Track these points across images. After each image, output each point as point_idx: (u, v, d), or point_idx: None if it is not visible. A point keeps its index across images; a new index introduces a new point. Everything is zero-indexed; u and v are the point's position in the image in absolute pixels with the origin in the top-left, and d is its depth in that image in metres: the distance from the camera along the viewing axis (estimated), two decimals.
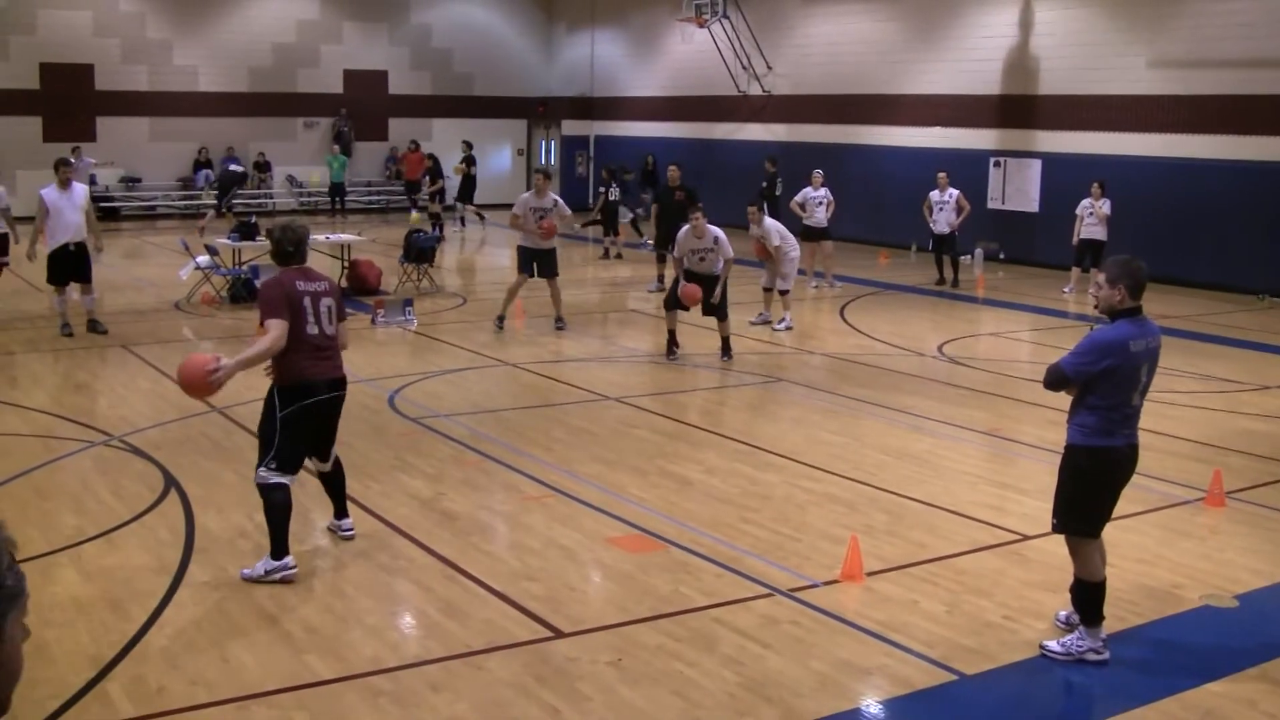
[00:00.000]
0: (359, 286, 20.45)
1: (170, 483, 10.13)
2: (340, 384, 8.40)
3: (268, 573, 7.96)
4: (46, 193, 16.18)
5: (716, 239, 15.41)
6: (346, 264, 21.19)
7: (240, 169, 31.22)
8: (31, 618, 7.08)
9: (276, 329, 8.00)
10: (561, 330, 17.43)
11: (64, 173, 16.42)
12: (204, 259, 19.99)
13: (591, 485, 10.24)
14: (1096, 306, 7.21)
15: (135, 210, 34.95)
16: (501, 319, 17.61)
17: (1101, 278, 7.09)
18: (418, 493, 10.01)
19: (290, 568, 7.99)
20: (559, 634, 7.24)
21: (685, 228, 15.61)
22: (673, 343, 15.85)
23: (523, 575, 8.19)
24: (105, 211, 34.35)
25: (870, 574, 8.22)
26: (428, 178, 30.81)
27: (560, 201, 17.75)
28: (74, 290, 16.74)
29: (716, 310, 15.62)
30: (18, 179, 32.45)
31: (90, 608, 7.56)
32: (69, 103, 34.02)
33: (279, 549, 7.99)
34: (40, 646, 6.97)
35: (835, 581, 8.14)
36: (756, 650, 7.05)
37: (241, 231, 20.58)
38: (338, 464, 8.87)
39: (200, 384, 7.83)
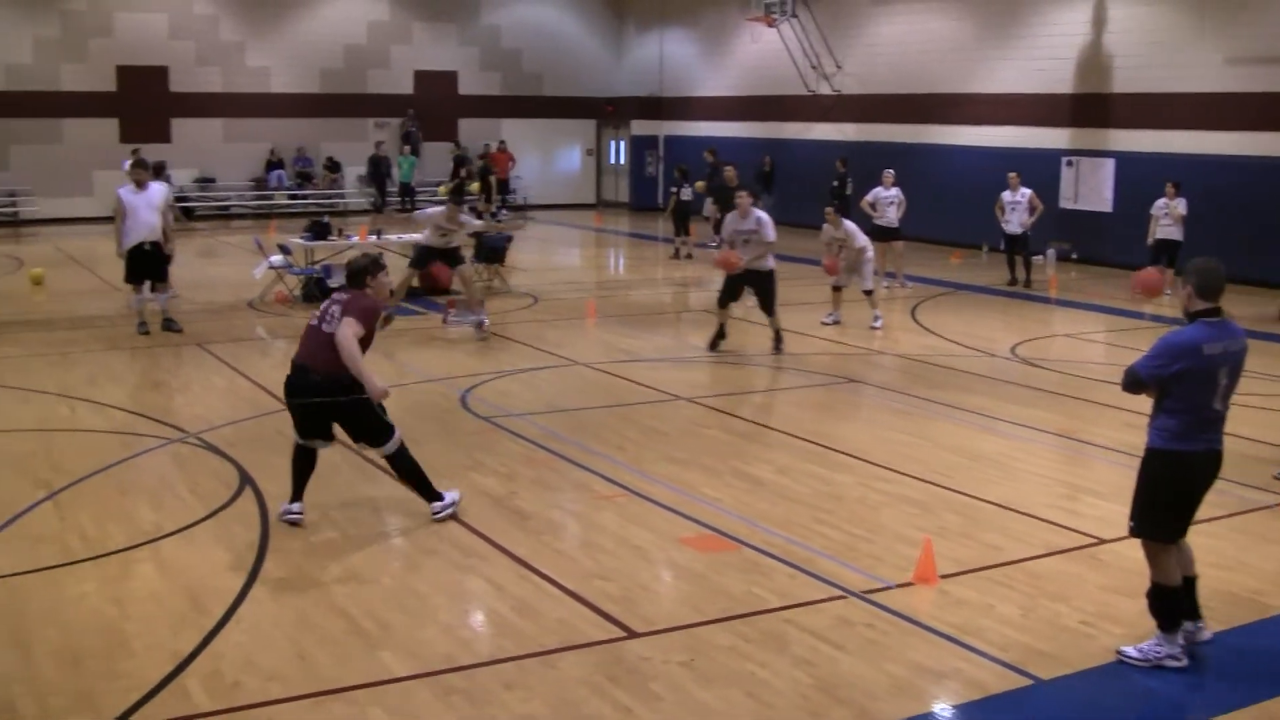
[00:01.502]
0: (431, 286, 20.55)
1: (245, 480, 10.23)
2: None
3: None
4: (123, 192, 16.39)
5: (759, 220, 15.58)
6: None
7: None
8: (112, 611, 7.21)
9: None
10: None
11: (138, 173, 16.63)
12: (277, 258, 20.18)
13: (663, 485, 10.24)
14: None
15: (209, 210, 35.34)
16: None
17: (1181, 279, 6.98)
18: (490, 491, 10.05)
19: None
20: (632, 633, 7.25)
21: (733, 211, 15.78)
22: (720, 335, 16.13)
23: (595, 574, 8.21)
24: (180, 211, 34.90)
25: (944, 576, 8.16)
26: (474, 179, 31.16)
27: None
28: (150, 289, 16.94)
29: (765, 305, 15.91)
30: (95, 179, 33.05)
31: (168, 602, 7.65)
32: (145, 104, 34.50)
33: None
34: (120, 640, 7.07)
35: (909, 584, 8.09)
36: (829, 652, 7.02)
37: (314, 231, 20.73)
38: (391, 460, 9.36)
39: None
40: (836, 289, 18.26)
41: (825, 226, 18.13)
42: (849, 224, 18.08)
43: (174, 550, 8.61)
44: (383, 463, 9.64)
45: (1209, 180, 22.89)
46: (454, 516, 9.24)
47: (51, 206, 33.59)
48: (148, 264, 16.61)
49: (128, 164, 31.78)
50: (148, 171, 16.94)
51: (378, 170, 29.98)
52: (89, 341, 16.41)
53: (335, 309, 8.98)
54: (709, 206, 27.75)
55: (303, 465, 9.31)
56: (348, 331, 8.72)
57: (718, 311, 16.03)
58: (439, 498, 9.30)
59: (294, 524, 9.12)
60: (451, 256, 17.72)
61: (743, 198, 15.81)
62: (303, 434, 9.25)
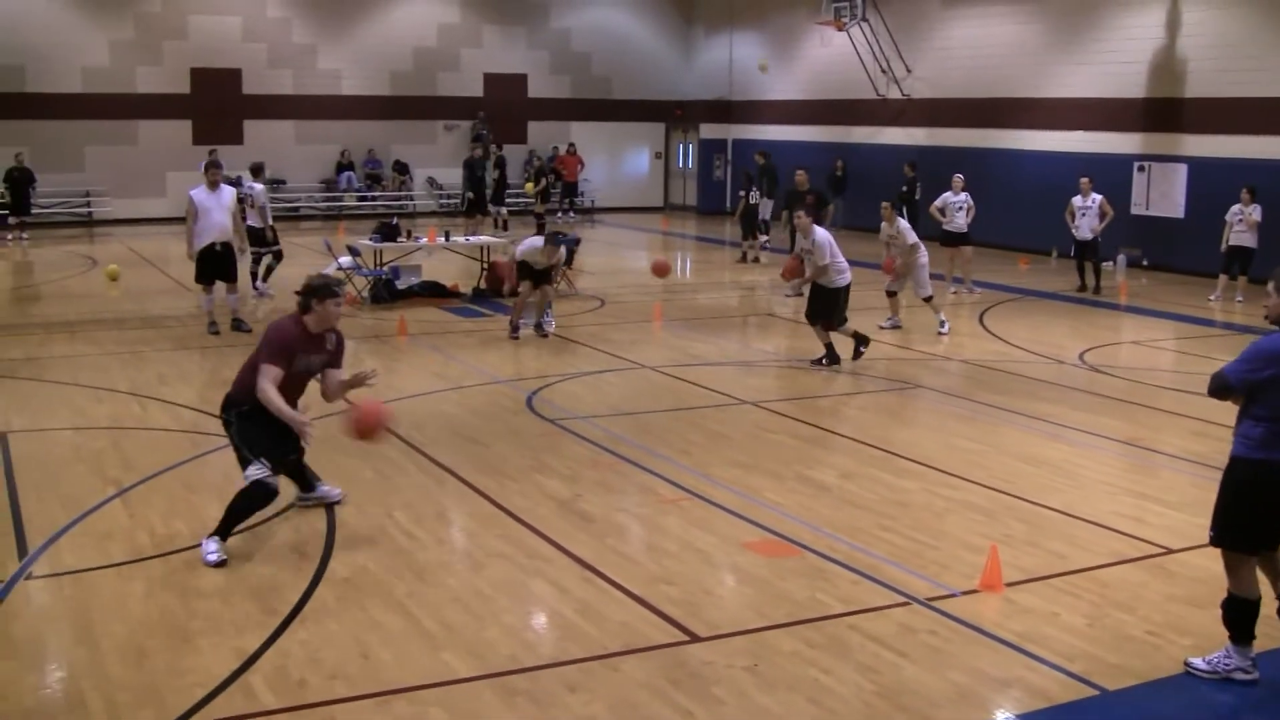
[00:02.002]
0: (498, 288, 20.64)
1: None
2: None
3: None
4: (196, 193, 16.58)
5: (814, 241, 15.29)
6: (485, 265, 21.39)
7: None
8: (179, 608, 7.29)
9: None
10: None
11: (213, 174, 16.81)
12: (346, 259, 20.34)
13: (727, 489, 10.23)
14: (1267, 316, 6.96)
15: (280, 211, 35.55)
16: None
17: (1270, 285, 6.84)
18: (555, 493, 10.07)
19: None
20: (695, 638, 7.25)
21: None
22: (830, 355, 15.53)
23: (659, 578, 8.21)
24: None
25: (1009, 584, 8.10)
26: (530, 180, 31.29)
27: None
28: (221, 289, 17.14)
29: (831, 320, 15.44)
30: (168, 180, 33.46)
31: (234, 600, 7.73)
32: (218, 106, 34.88)
33: None
34: (187, 637, 7.15)
35: (974, 591, 8.03)
36: (892, 659, 6.99)
37: (383, 233, 20.86)
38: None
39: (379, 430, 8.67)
40: (890, 294, 18.18)
41: (882, 224, 18.09)
42: (902, 222, 18.04)
43: (240, 548, 8.69)
44: (448, 462, 9.69)
45: None
46: (214, 565, 8.36)
47: (125, 207, 34.01)
48: (219, 264, 16.79)
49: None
50: (220, 172, 17.11)
51: (473, 174, 30.00)
52: (160, 340, 16.61)
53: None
54: (766, 207, 27.47)
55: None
56: (263, 382, 8.53)
57: (815, 331, 15.67)
58: (214, 541, 8.51)
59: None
60: (547, 275, 17.61)
61: (800, 218, 15.58)
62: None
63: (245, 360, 9.03)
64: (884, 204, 18.30)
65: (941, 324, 17.82)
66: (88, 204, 33.97)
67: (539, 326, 17.22)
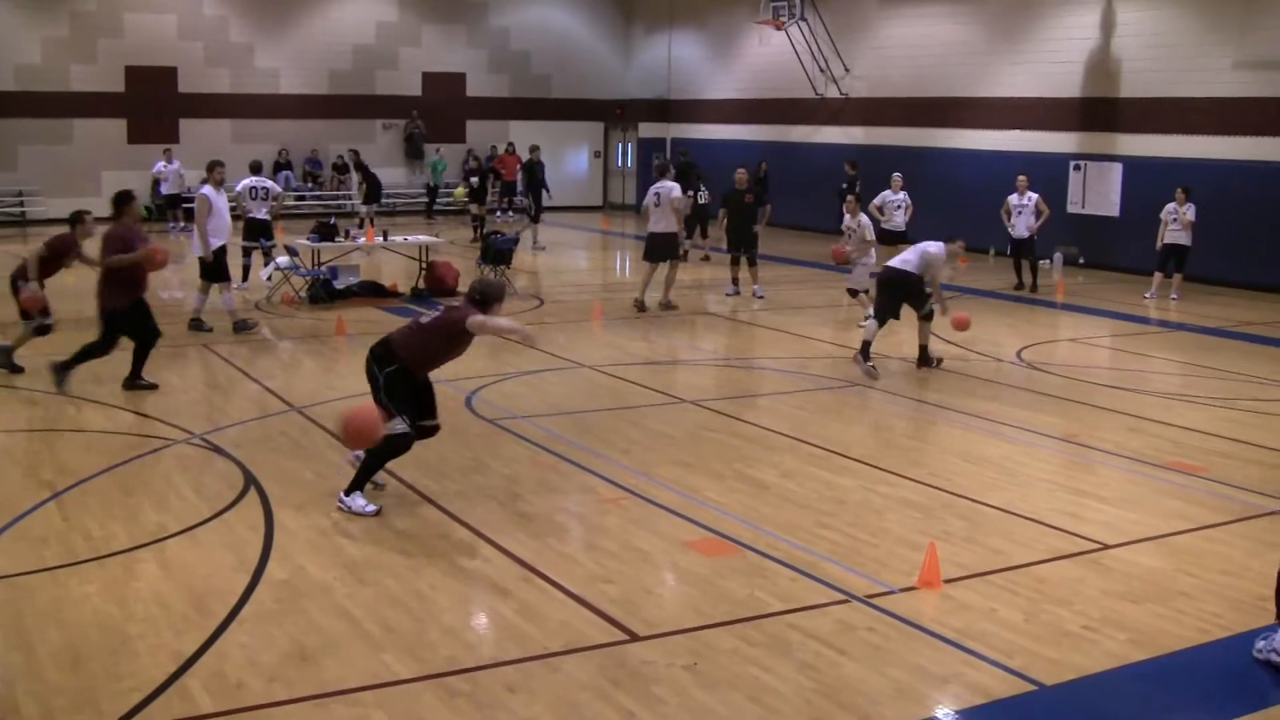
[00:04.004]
0: (437, 287, 20.58)
1: (250, 481, 10.24)
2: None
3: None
4: (208, 192, 17.07)
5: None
6: (424, 265, 21.31)
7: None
8: (115, 612, 7.21)
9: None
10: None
11: (219, 173, 17.33)
12: (284, 260, 20.22)
13: (668, 488, 10.24)
14: None
15: None
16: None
17: None
18: (494, 494, 10.04)
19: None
20: (635, 637, 7.25)
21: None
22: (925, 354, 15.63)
23: (599, 578, 8.21)
24: (187, 214, 34.92)
25: (948, 581, 8.15)
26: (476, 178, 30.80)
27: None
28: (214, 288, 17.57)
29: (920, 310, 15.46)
30: (103, 179, 33.10)
31: (172, 603, 7.65)
32: (153, 105, 34.59)
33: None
34: (124, 640, 7.08)
35: (912, 588, 8.08)
36: (832, 656, 7.02)
37: (321, 233, 20.74)
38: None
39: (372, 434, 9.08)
40: (853, 293, 18.52)
41: (846, 215, 18.72)
42: (864, 217, 18.62)
43: (178, 551, 8.62)
44: (392, 465, 9.68)
45: (1218, 185, 22.89)
46: (374, 514, 9.40)
47: (59, 206, 33.40)
48: (223, 263, 17.34)
49: (176, 164, 32.28)
50: (224, 170, 17.77)
51: (534, 178, 29.49)
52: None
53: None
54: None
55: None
56: (486, 322, 9.39)
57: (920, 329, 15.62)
58: (358, 496, 9.54)
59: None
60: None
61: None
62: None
63: (410, 323, 9.71)
64: (849, 196, 19.41)
65: (868, 317, 17.96)
66: (21, 204, 33.54)
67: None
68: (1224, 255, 23.12)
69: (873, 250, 18.22)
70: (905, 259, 15.17)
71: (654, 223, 19.54)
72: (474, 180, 31.14)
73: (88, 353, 13.45)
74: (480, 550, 8.73)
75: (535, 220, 29.63)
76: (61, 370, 13.26)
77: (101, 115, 34.01)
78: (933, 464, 11.12)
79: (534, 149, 30.58)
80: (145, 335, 13.61)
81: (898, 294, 15.08)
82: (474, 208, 30.67)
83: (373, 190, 29.54)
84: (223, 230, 17.12)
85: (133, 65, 34.29)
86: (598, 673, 6.77)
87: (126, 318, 13.43)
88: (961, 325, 15.42)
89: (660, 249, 19.63)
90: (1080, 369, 15.86)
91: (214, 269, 17.27)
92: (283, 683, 6.61)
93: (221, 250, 17.21)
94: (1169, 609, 7.81)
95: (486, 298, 9.48)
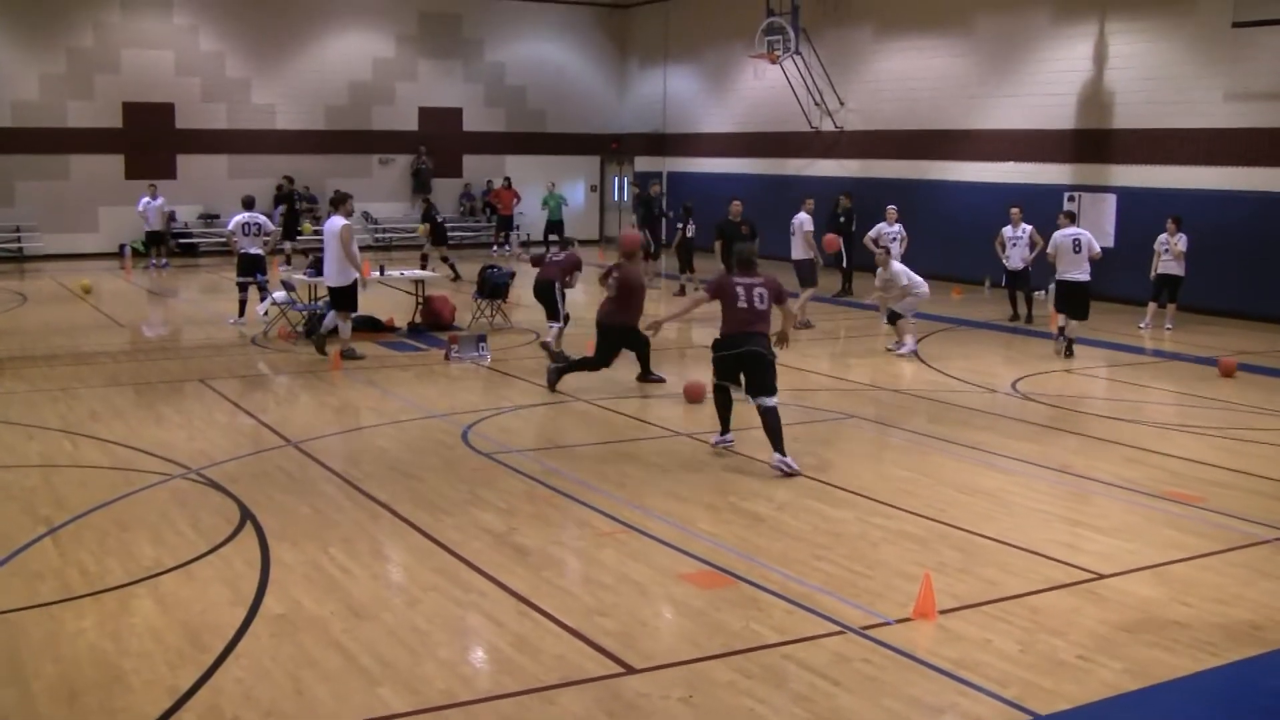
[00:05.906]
0: (433, 322, 20.62)
1: (246, 516, 10.24)
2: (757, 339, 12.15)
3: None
4: (349, 222, 17.99)
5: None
6: (420, 299, 21.34)
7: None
8: (110, 647, 7.21)
9: (702, 296, 12.81)
10: None
11: (349, 205, 18.39)
12: (281, 294, 20.25)
13: (663, 521, 10.25)
14: None
15: (213, 246, 35.38)
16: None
17: None
18: (490, 527, 10.05)
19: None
20: (630, 670, 7.25)
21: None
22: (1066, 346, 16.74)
23: (595, 610, 8.21)
24: (183, 248, 35.01)
25: (943, 612, 8.16)
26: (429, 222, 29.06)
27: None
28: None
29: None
30: (100, 215, 33.23)
31: (167, 638, 7.65)
32: (150, 141, 34.70)
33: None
34: (118, 675, 7.08)
35: (908, 619, 8.08)
36: (827, 688, 7.02)
37: (317, 268, 20.76)
38: (768, 412, 11.88)
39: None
40: (892, 320, 19.19)
41: (878, 270, 19.25)
42: (895, 265, 19.18)
43: (174, 586, 8.62)
44: (383, 497, 9.69)
45: (1210, 216, 22.99)
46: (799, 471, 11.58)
47: (56, 242, 33.71)
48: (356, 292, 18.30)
49: (161, 200, 32.24)
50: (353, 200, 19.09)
51: (650, 212, 28.63)
52: (91, 377, 16.45)
53: (759, 290, 12.19)
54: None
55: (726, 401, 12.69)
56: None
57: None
58: (788, 457, 11.77)
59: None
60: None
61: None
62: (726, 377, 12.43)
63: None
64: (878, 252, 19.85)
65: (899, 344, 18.31)
66: (18, 239, 33.60)
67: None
68: (1217, 285, 23.19)
69: (922, 284, 19.07)
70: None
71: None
72: (437, 217, 29.41)
73: (581, 365, 15.84)
74: (476, 584, 8.74)
75: (654, 257, 28.59)
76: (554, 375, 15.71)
77: (99, 151, 34.13)
78: (928, 495, 11.14)
79: (654, 183, 30.62)
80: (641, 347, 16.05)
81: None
82: (427, 250, 28.77)
83: (439, 233, 28.48)
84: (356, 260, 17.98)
85: (130, 101, 34.42)
86: (594, 706, 6.77)
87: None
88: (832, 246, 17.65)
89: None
90: (1076, 400, 15.89)
91: (352, 297, 18.04)
92: (278, 717, 6.60)
93: (355, 281, 18.03)
94: (1164, 638, 7.82)
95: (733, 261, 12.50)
